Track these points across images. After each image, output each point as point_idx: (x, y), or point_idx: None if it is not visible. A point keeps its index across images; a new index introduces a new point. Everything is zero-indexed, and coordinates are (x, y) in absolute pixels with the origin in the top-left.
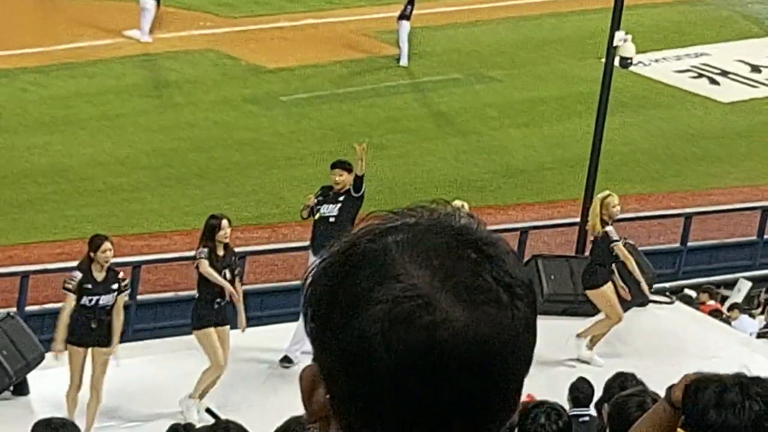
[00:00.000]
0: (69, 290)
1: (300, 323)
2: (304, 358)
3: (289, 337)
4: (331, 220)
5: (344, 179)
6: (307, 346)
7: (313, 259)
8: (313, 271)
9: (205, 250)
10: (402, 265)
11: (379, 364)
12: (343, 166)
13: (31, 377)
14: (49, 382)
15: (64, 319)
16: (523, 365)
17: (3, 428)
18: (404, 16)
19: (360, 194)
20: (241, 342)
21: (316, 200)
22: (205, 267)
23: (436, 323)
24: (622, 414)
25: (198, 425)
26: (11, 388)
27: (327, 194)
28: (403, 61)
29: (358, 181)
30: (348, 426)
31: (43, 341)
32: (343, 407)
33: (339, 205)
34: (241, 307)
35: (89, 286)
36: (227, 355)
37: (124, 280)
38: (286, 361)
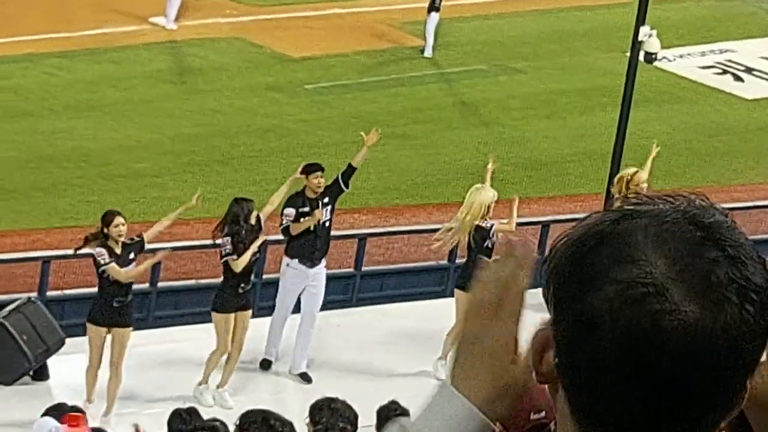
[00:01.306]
0: (107, 264)
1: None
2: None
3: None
4: (327, 224)
5: (324, 182)
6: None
7: (317, 270)
8: (557, 245)
9: (229, 245)
10: (643, 250)
11: (603, 341)
12: (321, 168)
13: (51, 362)
14: (69, 368)
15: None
16: (743, 369)
17: (23, 413)
18: (434, 7)
19: (347, 189)
20: (261, 330)
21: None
22: (237, 267)
23: (664, 312)
24: None
25: (212, 408)
26: (31, 372)
27: (312, 202)
28: (428, 52)
29: (351, 174)
30: (568, 393)
31: (64, 326)
32: (566, 374)
33: (329, 207)
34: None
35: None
36: (244, 338)
37: (138, 240)
38: (306, 379)
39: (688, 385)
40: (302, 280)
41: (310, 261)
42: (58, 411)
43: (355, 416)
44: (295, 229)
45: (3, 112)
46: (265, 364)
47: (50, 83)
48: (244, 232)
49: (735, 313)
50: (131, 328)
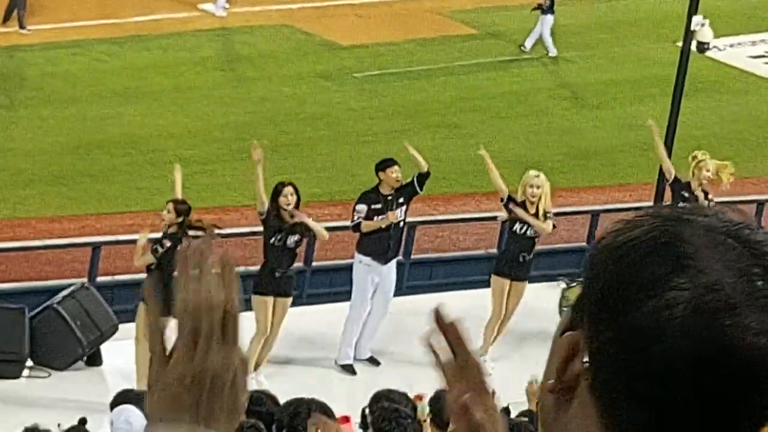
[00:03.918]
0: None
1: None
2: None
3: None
4: (402, 224)
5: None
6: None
7: (390, 265)
8: (599, 248)
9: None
10: (704, 259)
11: (668, 348)
12: (397, 162)
13: (104, 348)
14: (122, 353)
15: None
16: None
17: (76, 398)
18: (550, 10)
19: (421, 191)
20: (308, 319)
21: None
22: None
23: (733, 326)
24: None
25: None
26: (84, 358)
27: (387, 199)
28: (552, 52)
29: (426, 177)
30: (604, 402)
31: (115, 312)
32: (607, 383)
33: (404, 207)
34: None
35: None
36: (280, 326)
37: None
38: (374, 362)
39: (747, 402)
40: (375, 276)
41: (384, 259)
42: (124, 398)
43: (414, 408)
44: (367, 227)
45: (52, 98)
46: (350, 369)
47: (99, 70)
48: (282, 215)
49: None
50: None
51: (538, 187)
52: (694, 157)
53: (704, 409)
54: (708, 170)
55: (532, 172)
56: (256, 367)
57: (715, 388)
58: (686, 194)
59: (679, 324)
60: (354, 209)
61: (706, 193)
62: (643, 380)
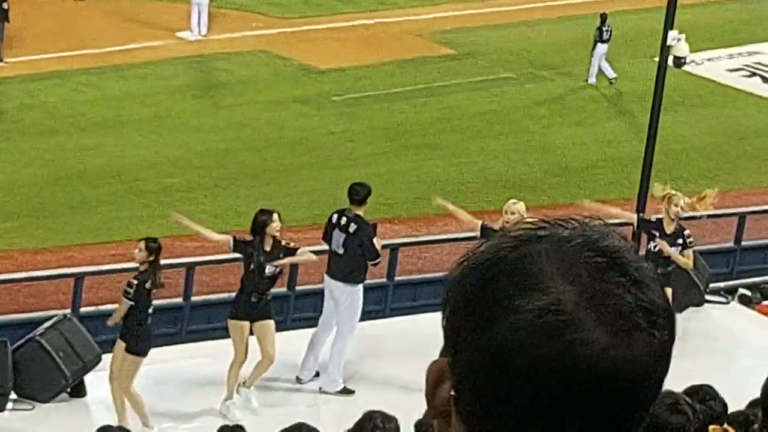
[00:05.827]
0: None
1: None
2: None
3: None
4: None
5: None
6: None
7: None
8: (454, 272)
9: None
10: (549, 277)
11: (512, 372)
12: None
13: (88, 379)
14: (106, 384)
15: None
16: (652, 393)
17: (60, 430)
18: (601, 39)
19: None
20: (293, 343)
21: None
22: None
23: (576, 342)
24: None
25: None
26: (68, 390)
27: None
28: (612, 74)
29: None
30: (470, 424)
31: (98, 342)
32: (468, 405)
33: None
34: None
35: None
36: (273, 348)
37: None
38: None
39: (597, 414)
40: None
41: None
42: None
43: (396, 428)
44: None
45: (31, 130)
46: (348, 391)
47: (77, 100)
48: (262, 245)
49: (644, 338)
50: (135, 355)
51: (512, 213)
52: (666, 194)
53: (559, 425)
54: (677, 205)
55: (511, 201)
56: (247, 385)
57: (565, 404)
58: (657, 233)
59: (521, 346)
60: (374, 244)
61: (681, 228)
62: (496, 402)
